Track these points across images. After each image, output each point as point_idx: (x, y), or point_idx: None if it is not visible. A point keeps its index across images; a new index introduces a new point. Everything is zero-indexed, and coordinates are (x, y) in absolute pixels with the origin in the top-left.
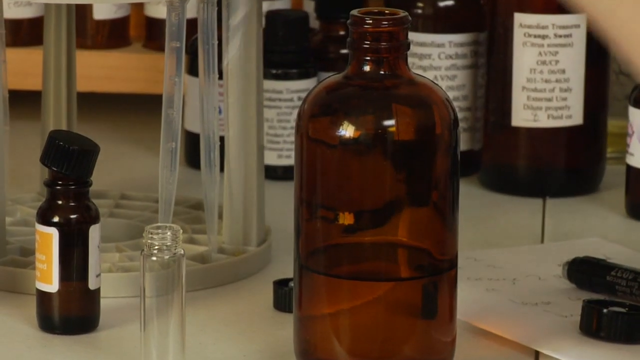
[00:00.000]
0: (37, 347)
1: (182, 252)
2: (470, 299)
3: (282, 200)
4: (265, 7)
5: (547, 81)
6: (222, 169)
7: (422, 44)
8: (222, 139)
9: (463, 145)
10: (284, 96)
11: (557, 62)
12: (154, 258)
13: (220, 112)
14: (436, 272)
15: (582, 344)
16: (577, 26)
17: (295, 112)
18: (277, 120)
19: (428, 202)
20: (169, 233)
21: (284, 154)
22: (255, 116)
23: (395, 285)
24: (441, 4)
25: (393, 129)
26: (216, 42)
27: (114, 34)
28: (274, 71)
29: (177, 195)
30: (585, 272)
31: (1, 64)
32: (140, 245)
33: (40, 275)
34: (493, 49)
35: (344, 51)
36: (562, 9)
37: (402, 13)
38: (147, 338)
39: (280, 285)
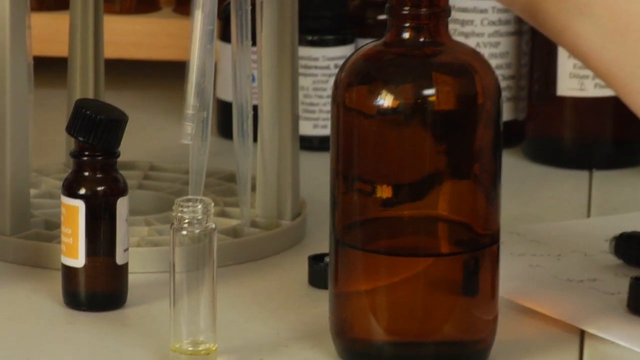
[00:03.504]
0: (63, 324)
1: (213, 225)
2: (512, 275)
3: (318, 172)
4: None
5: None
6: (255, 139)
7: (464, 10)
8: (255, 108)
9: (506, 116)
10: (319, 64)
11: None
12: (184, 232)
13: (253, 80)
14: (477, 247)
15: (629, 322)
16: None
17: (332, 80)
18: (312, 89)
19: (469, 174)
20: (199, 206)
21: (319, 124)
22: (290, 84)
23: (434, 261)
24: None
25: (433, 98)
26: (249, 8)
27: None
28: (309, 37)
29: (208, 166)
30: (633, 247)
31: (26, 29)
32: (169, 219)
33: (66, 250)
34: None
35: (383, 17)
36: None
37: None
38: (176, 315)
39: (315, 260)
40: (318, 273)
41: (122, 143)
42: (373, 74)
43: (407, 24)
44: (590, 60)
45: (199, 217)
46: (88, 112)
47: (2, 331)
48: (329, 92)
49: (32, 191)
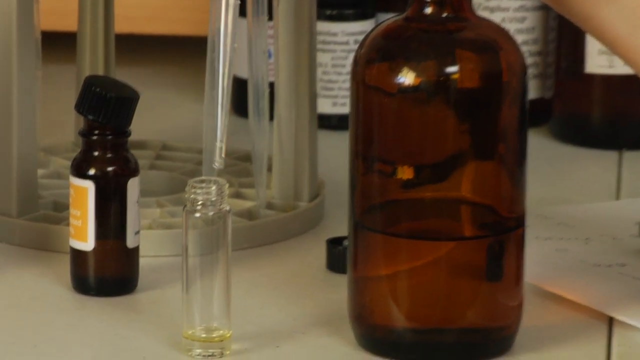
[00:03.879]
0: (71, 310)
1: (228, 207)
2: (538, 260)
3: (337, 152)
4: None
5: None
6: (271, 117)
7: None
8: (271, 85)
9: (532, 94)
10: (338, 39)
11: None
12: (198, 214)
13: (269, 56)
14: (502, 230)
15: None
16: None
17: (351, 56)
18: (331, 65)
19: (494, 155)
20: (213, 187)
21: (338, 102)
22: (308, 61)
23: (457, 244)
24: None
25: (456, 76)
26: None
27: None
28: (328, 12)
29: None
30: None
31: (34, 3)
32: (182, 200)
33: (75, 233)
34: None
35: None
36: None
37: None
38: (189, 301)
39: (334, 244)
40: (336, 257)
41: (133, 121)
42: (394, 50)
43: None
44: (618, 48)
45: (213, 199)
46: (98, 90)
47: (8, 317)
48: (348, 68)
49: (40, 171)
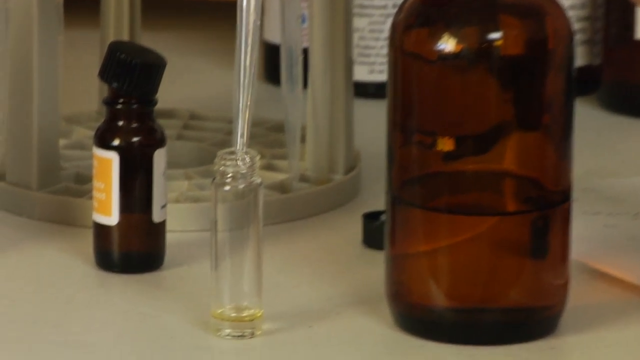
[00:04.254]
0: (94, 287)
1: (259, 180)
2: (585, 236)
3: (374, 122)
4: None
5: None
6: (305, 85)
7: None
8: (305, 51)
9: (579, 61)
10: (376, 3)
11: None
12: (227, 187)
13: (303, 20)
14: (547, 205)
15: None
16: None
17: (389, 21)
18: (368, 31)
19: (539, 125)
20: (244, 159)
21: (375, 69)
22: (344, 26)
23: (500, 220)
24: None
25: (499, 42)
26: None
27: None
28: None
29: (254, 115)
30: None
31: None
32: (211, 173)
33: (98, 206)
34: None
35: None
36: None
37: None
38: (218, 278)
39: (370, 218)
40: (373, 232)
41: (159, 89)
42: (434, 15)
43: None
44: None
45: (244, 171)
46: (123, 56)
47: (27, 295)
48: (386, 34)
49: (62, 141)
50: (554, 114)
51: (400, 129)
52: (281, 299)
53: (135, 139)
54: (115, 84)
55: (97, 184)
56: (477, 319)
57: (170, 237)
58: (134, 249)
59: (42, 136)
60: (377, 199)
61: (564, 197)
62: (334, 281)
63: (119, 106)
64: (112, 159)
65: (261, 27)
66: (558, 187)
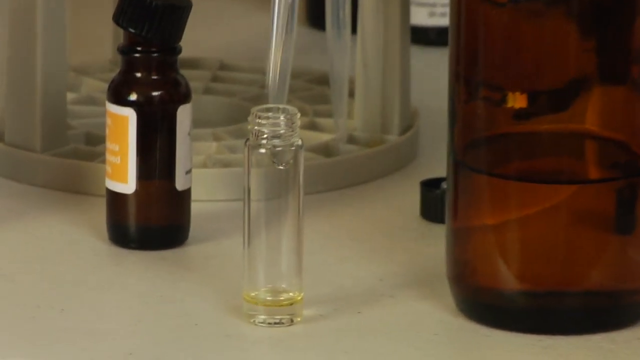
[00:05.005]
0: (108, 265)
1: (299, 141)
2: None
3: (434, 74)
4: None
5: None
6: (354, 30)
7: None
8: None
9: None
10: None
11: None
12: (263, 150)
13: None
14: (635, 172)
15: None
16: None
17: None
18: None
19: (626, 79)
20: (282, 117)
21: (436, 12)
22: None
23: (580, 188)
24: None
25: None
26: None
27: None
28: None
29: (294, 65)
30: None
31: None
32: (244, 132)
33: (112, 172)
34: None
35: None
36: None
37: None
38: (252, 256)
39: (429, 187)
40: (432, 203)
41: (184, 36)
42: None
43: None
44: None
45: (282, 131)
46: None
47: (30, 274)
48: None
49: (70, 95)
50: None
51: (465, 82)
52: (325, 279)
53: (155, 93)
54: (132, 29)
55: (111, 145)
56: (553, 305)
57: (195, 208)
58: (154, 221)
59: (46, 89)
60: (437, 164)
61: None
62: (387, 260)
63: (137, 55)
64: (129, 116)
65: None
66: None
